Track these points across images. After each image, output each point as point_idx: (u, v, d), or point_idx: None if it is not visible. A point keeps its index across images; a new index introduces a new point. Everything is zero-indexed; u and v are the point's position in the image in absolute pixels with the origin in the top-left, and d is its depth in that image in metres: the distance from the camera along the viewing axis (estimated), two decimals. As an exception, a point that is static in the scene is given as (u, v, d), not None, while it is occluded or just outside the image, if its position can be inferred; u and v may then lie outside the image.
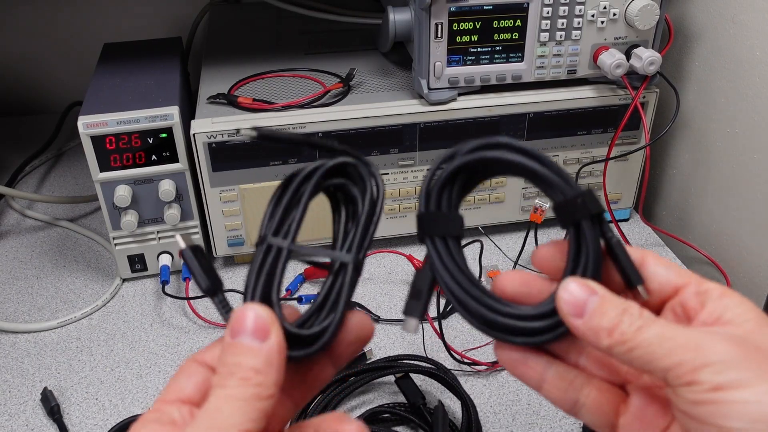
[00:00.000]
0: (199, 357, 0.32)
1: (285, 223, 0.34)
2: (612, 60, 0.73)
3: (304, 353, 0.32)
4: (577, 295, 0.31)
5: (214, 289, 0.34)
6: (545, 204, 0.75)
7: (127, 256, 0.77)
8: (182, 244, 0.34)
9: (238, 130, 0.33)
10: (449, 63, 0.73)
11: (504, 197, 0.82)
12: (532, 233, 0.79)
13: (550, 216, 0.85)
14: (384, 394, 0.64)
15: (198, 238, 0.78)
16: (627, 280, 0.33)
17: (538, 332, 0.33)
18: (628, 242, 0.80)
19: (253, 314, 0.30)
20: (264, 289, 0.32)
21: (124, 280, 0.79)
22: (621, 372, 0.34)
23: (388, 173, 0.78)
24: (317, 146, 0.36)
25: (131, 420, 0.59)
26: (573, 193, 0.33)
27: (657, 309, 0.33)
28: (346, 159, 0.35)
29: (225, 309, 0.33)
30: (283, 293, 0.76)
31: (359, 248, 0.34)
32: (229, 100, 0.75)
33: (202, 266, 0.34)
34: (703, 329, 0.30)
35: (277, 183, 0.34)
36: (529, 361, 0.34)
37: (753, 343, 0.29)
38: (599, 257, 0.33)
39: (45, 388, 0.64)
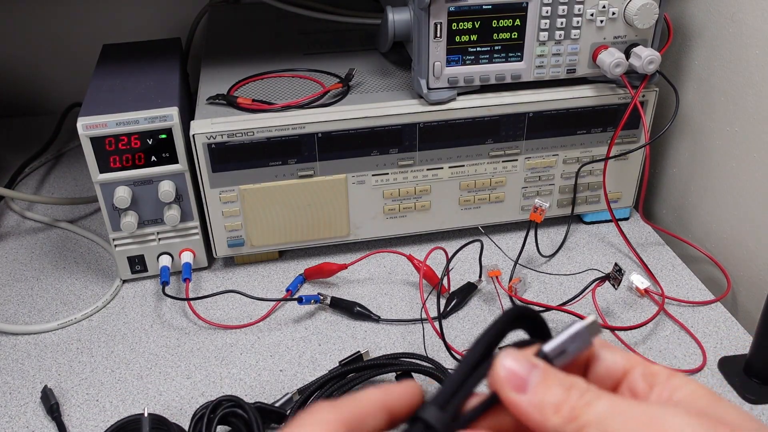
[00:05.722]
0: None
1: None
2: (611, 59, 0.73)
3: None
4: (516, 369, 0.29)
5: None
6: (545, 203, 0.75)
7: (127, 258, 0.77)
8: None
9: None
10: (448, 63, 0.73)
11: (504, 197, 0.82)
12: (532, 232, 0.79)
13: (549, 215, 0.86)
14: (384, 394, 0.64)
15: (198, 240, 0.78)
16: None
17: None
18: (628, 242, 0.80)
19: None
20: None
21: (124, 281, 0.79)
22: None
23: (387, 173, 0.78)
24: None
25: (129, 420, 0.59)
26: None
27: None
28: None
29: None
30: (284, 294, 0.76)
31: None
32: (228, 100, 0.75)
33: None
34: (658, 404, 0.28)
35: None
36: None
37: (713, 415, 0.27)
38: None
39: (45, 387, 0.64)
